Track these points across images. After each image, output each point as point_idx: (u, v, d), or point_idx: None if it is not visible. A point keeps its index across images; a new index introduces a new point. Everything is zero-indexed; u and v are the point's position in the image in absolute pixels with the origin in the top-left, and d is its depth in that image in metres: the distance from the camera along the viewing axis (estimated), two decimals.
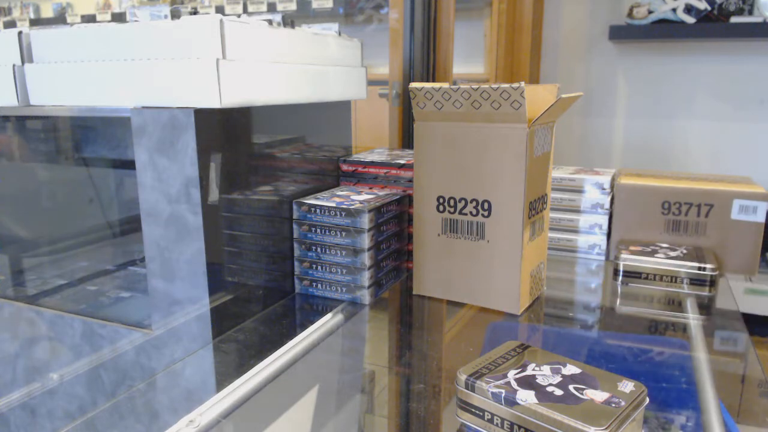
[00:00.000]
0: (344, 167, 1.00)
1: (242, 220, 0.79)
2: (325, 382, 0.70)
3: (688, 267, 0.89)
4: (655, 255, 0.93)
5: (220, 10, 2.63)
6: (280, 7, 2.47)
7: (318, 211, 0.84)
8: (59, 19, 3.30)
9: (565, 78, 2.08)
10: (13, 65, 0.82)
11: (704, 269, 0.89)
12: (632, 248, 0.96)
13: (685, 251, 0.95)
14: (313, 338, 0.75)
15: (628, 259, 0.92)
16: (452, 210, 0.82)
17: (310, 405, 0.64)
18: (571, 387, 0.54)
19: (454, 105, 0.78)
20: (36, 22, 3.37)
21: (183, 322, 0.76)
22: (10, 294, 0.99)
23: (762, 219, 0.94)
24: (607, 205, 1.02)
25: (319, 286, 0.87)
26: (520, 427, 0.52)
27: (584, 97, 2.05)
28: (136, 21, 0.85)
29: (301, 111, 0.91)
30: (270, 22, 0.79)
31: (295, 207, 0.86)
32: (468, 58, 2.18)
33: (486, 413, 0.54)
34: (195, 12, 2.70)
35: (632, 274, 0.92)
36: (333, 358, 0.76)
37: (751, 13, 1.75)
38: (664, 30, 1.81)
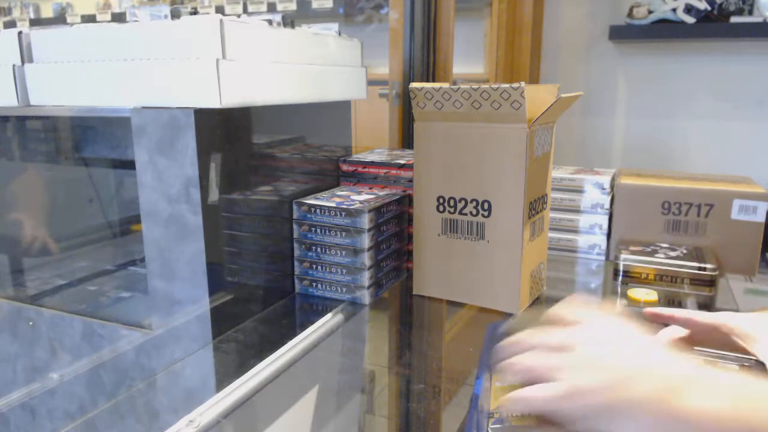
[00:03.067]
0: (344, 167, 1.00)
1: (242, 220, 0.79)
2: (325, 382, 0.70)
3: (688, 267, 0.89)
4: (655, 255, 0.93)
5: (220, 10, 2.63)
6: (280, 7, 2.47)
7: (318, 211, 0.84)
8: (59, 19, 3.30)
9: (565, 78, 2.08)
10: (13, 65, 0.82)
11: (704, 269, 0.89)
12: (632, 248, 0.96)
13: (685, 251, 0.95)
14: (313, 338, 0.75)
15: (628, 259, 0.92)
16: (452, 210, 0.82)
17: (310, 405, 0.64)
18: None
19: (454, 105, 0.78)
20: (36, 22, 3.37)
21: (183, 322, 0.76)
22: (10, 294, 0.99)
23: (762, 219, 0.94)
24: (607, 205, 1.02)
25: (319, 286, 0.87)
26: None
27: (584, 97, 2.05)
28: (136, 21, 0.85)
29: (301, 111, 0.91)
30: (270, 22, 0.79)
31: (295, 207, 0.86)
32: (468, 58, 2.18)
33: None
34: (195, 12, 2.70)
35: (632, 274, 0.92)
36: (333, 358, 0.76)
37: (751, 13, 1.75)
38: (664, 30, 1.81)
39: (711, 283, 0.88)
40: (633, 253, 0.93)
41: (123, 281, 1.04)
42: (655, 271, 0.91)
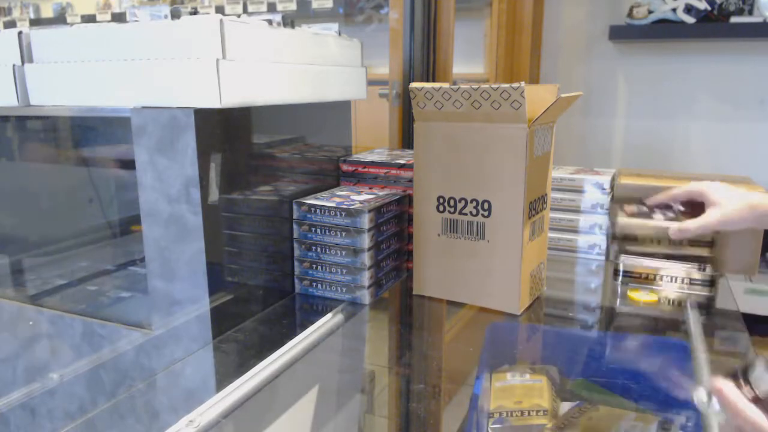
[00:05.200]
0: (344, 167, 1.00)
1: (242, 220, 0.79)
2: (325, 382, 0.70)
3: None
4: (653, 216, 0.92)
5: (220, 10, 2.63)
6: (280, 7, 2.47)
7: (318, 211, 0.84)
8: (59, 19, 3.29)
9: (565, 78, 2.08)
10: (13, 65, 0.82)
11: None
12: (627, 209, 0.95)
13: (681, 209, 0.94)
14: (313, 338, 0.75)
15: (629, 259, 0.92)
16: (452, 210, 0.82)
17: (310, 405, 0.64)
18: None
19: (454, 105, 0.78)
20: (36, 22, 3.37)
21: (183, 322, 0.76)
22: (10, 294, 0.99)
23: None
24: (607, 205, 1.02)
25: (319, 286, 0.87)
26: None
27: (584, 97, 2.05)
28: (136, 21, 0.85)
29: (301, 111, 0.91)
30: (270, 22, 0.79)
31: (295, 207, 0.86)
32: (468, 58, 2.18)
33: None
34: (195, 12, 2.70)
35: (632, 275, 0.92)
36: (333, 358, 0.76)
37: (751, 13, 1.75)
38: (664, 30, 1.81)
39: (711, 283, 0.88)
40: (630, 215, 0.91)
41: (123, 281, 1.04)
42: (656, 272, 0.91)
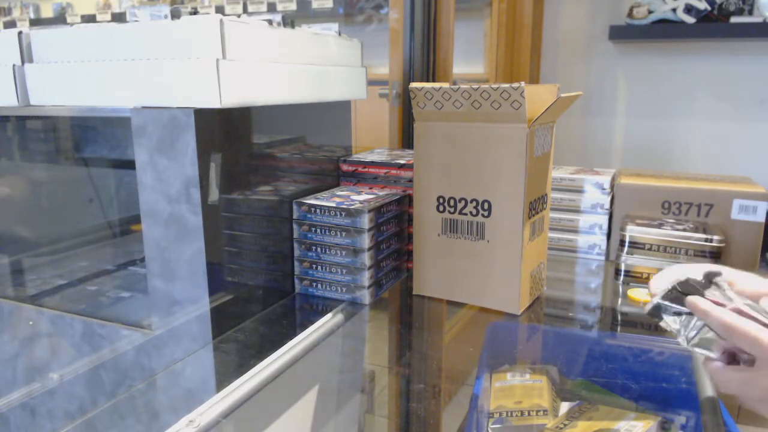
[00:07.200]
0: (344, 167, 1.00)
1: (242, 220, 0.79)
2: (325, 382, 0.70)
3: (694, 238, 0.89)
4: (661, 228, 0.92)
5: (220, 10, 2.63)
6: (280, 7, 2.47)
7: (318, 211, 0.84)
8: (59, 19, 3.29)
9: (565, 78, 2.07)
10: (13, 65, 0.82)
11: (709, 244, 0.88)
12: (638, 221, 0.95)
13: (690, 225, 0.94)
14: (313, 338, 0.75)
15: (629, 259, 0.92)
16: (452, 210, 0.82)
17: (310, 405, 0.64)
18: None
19: (454, 105, 0.78)
20: (36, 22, 3.37)
21: (183, 322, 0.76)
22: (10, 294, 0.99)
23: (762, 219, 0.94)
24: (607, 205, 1.02)
25: (319, 286, 0.87)
26: None
27: (584, 97, 2.05)
28: (136, 21, 0.85)
29: (301, 111, 0.91)
30: (270, 22, 0.79)
31: (295, 207, 0.86)
32: (468, 58, 2.18)
33: None
34: (195, 12, 2.70)
35: (633, 274, 0.92)
36: (333, 358, 0.76)
37: (751, 13, 1.75)
38: (664, 30, 1.81)
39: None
40: (639, 225, 0.92)
41: (123, 281, 1.04)
42: (656, 271, 0.91)
